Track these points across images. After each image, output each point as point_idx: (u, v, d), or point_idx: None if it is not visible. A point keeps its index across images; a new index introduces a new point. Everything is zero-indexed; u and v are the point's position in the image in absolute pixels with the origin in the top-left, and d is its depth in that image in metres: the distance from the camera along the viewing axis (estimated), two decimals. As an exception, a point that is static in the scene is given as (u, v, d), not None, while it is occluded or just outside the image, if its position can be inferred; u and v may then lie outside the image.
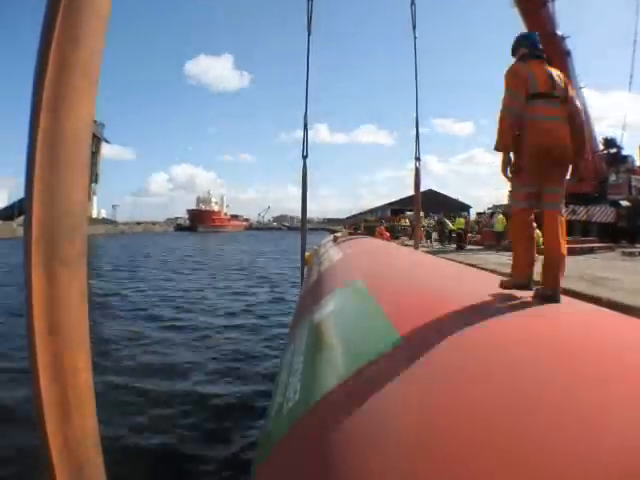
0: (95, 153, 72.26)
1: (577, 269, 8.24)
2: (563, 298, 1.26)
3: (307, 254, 6.43)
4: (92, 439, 0.81)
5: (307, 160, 5.97)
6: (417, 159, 6.87)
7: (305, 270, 5.84)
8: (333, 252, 4.72)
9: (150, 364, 6.17)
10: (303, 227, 6.42)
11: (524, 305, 1.23)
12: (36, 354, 0.74)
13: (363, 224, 26.59)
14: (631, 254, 11.61)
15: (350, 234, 8.76)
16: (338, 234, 7.89)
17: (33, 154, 0.77)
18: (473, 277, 1.95)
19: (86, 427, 0.80)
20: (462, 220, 17.34)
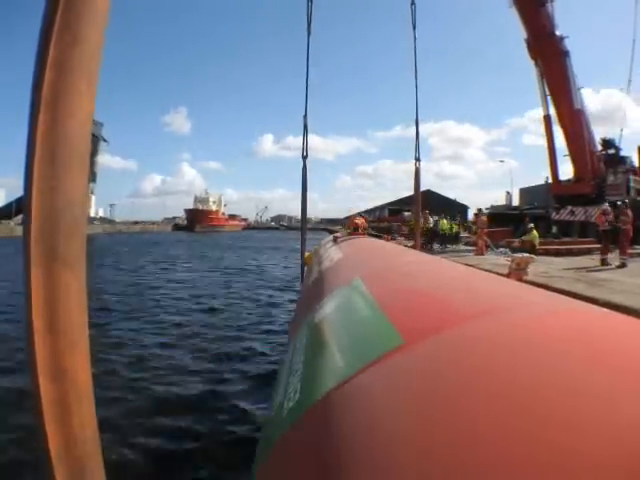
0: (94, 152, 72.08)
1: (575, 270, 8.28)
2: (565, 299, 1.26)
3: (307, 254, 6.47)
4: (92, 439, 0.81)
5: (306, 160, 5.99)
6: (417, 160, 6.99)
7: (305, 270, 5.86)
8: (333, 252, 4.72)
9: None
10: (303, 227, 6.44)
11: (528, 304, 1.23)
12: (35, 353, 0.74)
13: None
14: (629, 255, 11.65)
15: (350, 234, 8.78)
16: (338, 234, 7.92)
17: (32, 153, 0.76)
18: (475, 276, 1.95)
19: (86, 427, 0.80)
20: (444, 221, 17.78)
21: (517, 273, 6.83)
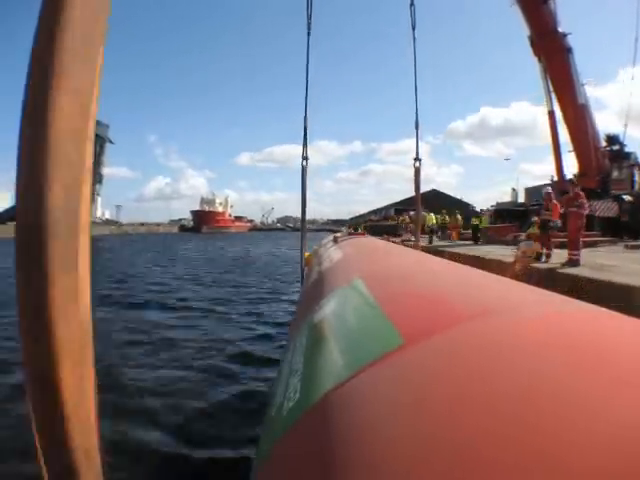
0: (99, 154, 72.35)
1: (583, 259, 8.32)
2: (567, 299, 1.25)
3: (307, 254, 6.52)
4: (91, 451, 0.80)
5: (307, 162, 6.11)
6: (417, 160, 7.08)
7: (305, 270, 5.88)
8: (333, 252, 4.72)
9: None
10: (303, 227, 6.53)
11: (529, 304, 1.22)
12: (31, 364, 0.73)
13: (368, 224, 26.94)
14: (634, 247, 11.64)
15: (350, 234, 8.84)
16: (338, 234, 7.98)
17: (24, 151, 0.74)
18: (475, 276, 1.94)
19: (87, 444, 0.78)
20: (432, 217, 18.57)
21: (523, 260, 6.97)
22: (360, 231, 11.42)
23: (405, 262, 2.91)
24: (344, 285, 2.10)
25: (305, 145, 6.00)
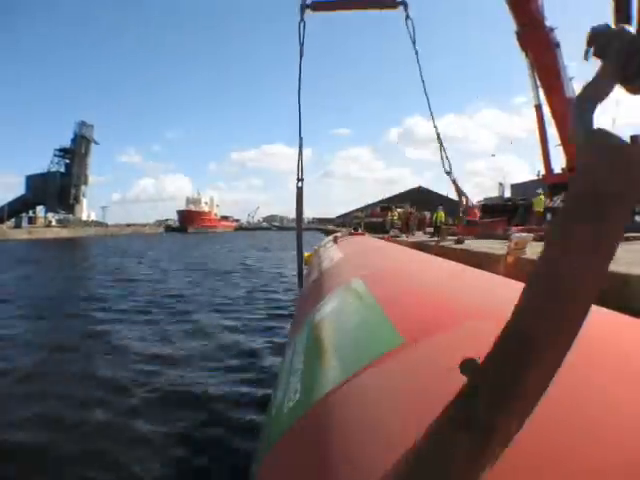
0: (85, 154, 70.94)
1: None
2: None
3: (307, 254, 6.54)
4: None
5: (302, 183, 6.34)
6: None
7: (305, 270, 5.88)
8: (333, 252, 4.73)
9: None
10: (298, 229, 6.59)
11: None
12: None
13: (361, 221, 27.12)
14: (626, 239, 11.91)
15: (350, 233, 8.86)
16: (338, 234, 8.01)
17: None
18: (476, 276, 1.96)
19: None
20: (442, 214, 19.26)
21: (515, 253, 7.06)
22: (360, 231, 11.44)
23: (405, 262, 2.91)
24: (344, 285, 2.11)
25: (300, 167, 6.18)
